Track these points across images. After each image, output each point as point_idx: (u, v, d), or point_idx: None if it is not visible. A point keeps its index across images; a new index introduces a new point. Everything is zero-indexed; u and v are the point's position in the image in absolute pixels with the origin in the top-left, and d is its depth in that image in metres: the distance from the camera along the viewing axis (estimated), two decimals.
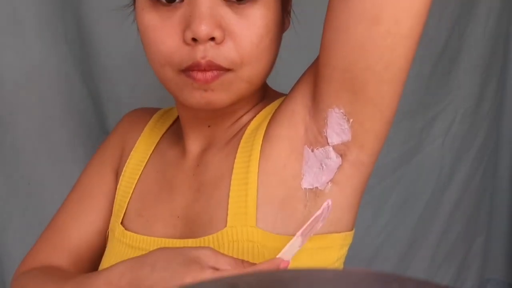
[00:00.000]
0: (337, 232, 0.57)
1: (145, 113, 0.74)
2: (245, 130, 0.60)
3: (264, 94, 0.64)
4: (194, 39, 0.52)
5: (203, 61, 0.52)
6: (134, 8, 0.58)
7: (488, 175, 1.33)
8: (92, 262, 0.68)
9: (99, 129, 1.09)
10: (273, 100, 0.62)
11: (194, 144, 0.64)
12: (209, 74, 0.53)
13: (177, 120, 0.71)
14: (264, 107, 0.62)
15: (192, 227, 0.59)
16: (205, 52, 0.52)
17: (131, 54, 1.03)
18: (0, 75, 0.98)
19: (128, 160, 0.69)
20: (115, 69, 1.06)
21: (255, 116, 0.61)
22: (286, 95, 0.63)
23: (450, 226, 1.30)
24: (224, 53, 0.53)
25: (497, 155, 1.34)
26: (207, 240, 0.56)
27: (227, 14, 0.53)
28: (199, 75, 0.53)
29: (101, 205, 0.70)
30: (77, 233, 0.69)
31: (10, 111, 1.01)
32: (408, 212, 1.27)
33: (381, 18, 0.48)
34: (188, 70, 0.54)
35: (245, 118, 0.62)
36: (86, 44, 1.05)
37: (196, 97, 0.55)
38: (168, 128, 0.70)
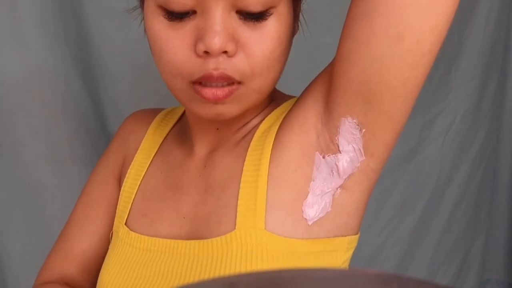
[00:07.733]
0: (343, 236, 0.57)
1: (147, 114, 0.73)
2: (254, 133, 0.60)
3: (272, 96, 0.63)
4: (206, 52, 0.51)
5: (215, 73, 0.52)
6: (142, 11, 0.57)
7: (488, 175, 1.32)
8: (100, 266, 0.69)
9: (99, 129, 1.09)
10: (281, 103, 0.62)
11: (201, 145, 0.64)
12: (220, 93, 0.53)
13: (180, 120, 0.71)
14: (273, 109, 0.62)
15: (199, 228, 0.59)
16: (217, 65, 0.52)
17: (131, 54, 1.03)
18: (0, 75, 0.98)
19: (132, 163, 0.69)
20: (115, 69, 1.06)
21: (264, 118, 0.61)
22: (293, 97, 0.63)
23: (450, 226, 1.30)
24: (235, 65, 0.52)
25: (497, 155, 1.34)
26: (215, 241, 0.55)
27: (240, 26, 0.52)
28: (209, 94, 0.53)
29: (105, 212, 0.70)
30: (85, 241, 0.71)
31: (10, 111, 1.00)
32: (408, 212, 1.27)
33: (405, 37, 0.48)
34: (199, 82, 0.53)
35: (254, 121, 0.62)
36: (86, 44, 1.05)
37: (206, 109, 0.55)
38: (172, 129, 0.70)
